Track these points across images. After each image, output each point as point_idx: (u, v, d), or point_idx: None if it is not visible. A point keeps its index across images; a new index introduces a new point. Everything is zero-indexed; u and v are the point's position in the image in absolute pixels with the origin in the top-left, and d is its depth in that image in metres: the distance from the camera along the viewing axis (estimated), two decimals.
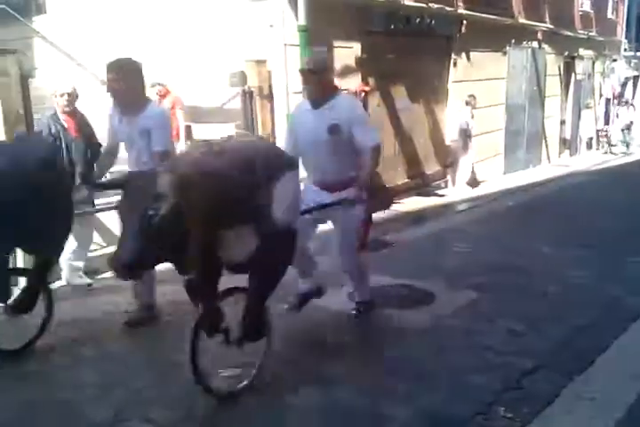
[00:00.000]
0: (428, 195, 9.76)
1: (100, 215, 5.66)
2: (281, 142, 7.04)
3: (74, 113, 5.06)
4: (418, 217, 8.01)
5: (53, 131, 4.88)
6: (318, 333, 4.10)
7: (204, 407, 3.10)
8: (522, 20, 12.31)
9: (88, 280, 5.18)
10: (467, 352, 3.75)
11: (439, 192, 10.17)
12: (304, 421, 3.04)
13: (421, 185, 9.92)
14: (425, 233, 7.20)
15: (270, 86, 7.06)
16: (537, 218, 8.21)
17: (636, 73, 20.78)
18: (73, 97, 5.01)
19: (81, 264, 5.20)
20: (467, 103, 10.52)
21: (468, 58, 10.55)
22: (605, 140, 17.06)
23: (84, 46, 9.41)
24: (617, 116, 17.62)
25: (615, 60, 18.27)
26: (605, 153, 16.72)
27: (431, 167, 10.27)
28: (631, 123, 17.44)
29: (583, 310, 4.45)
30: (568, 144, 16.23)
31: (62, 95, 4.93)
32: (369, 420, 3.00)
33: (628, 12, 19.29)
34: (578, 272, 5.37)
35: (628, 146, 17.14)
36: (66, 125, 4.96)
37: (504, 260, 5.86)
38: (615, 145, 17.02)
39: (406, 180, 9.59)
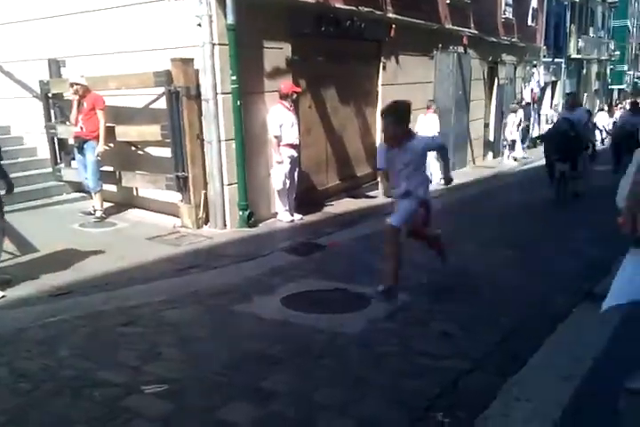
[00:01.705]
0: (359, 197, 9.76)
1: (12, 221, 5.31)
2: (211, 144, 6.87)
3: None
4: (349, 219, 7.97)
5: None
6: (249, 342, 3.94)
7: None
8: (448, 26, 12.57)
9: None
10: (402, 357, 3.70)
11: (370, 194, 10.19)
12: None
13: (352, 187, 9.91)
14: (357, 235, 7.15)
15: (198, 86, 6.83)
16: (465, 219, 8.35)
17: (554, 78, 21.72)
18: None
19: None
20: (428, 108, 11.32)
21: (397, 61, 10.66)
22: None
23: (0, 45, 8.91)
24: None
25: (535, 66, 19.00)
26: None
27: (362, 169, 10.28)
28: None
29: (514, 310, 4.50)
30: (491, 146, 16.69)
31: None
32: None
33: (547, 20, 20.15)
34: (506, 272, 5.46)
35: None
36: None
37: (433, 261, 5.88)
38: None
39: (337, 182, 9.56)
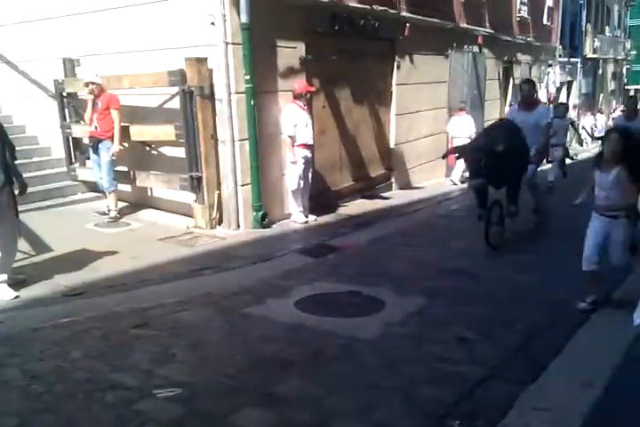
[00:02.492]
0: (373, 198, 9.70)
1: (26, 221, 5.31)
2: (225, 144, 6.85)
3: None
4: (364, 221, 7.91)
5: None
6: (263, 346, 3.90)
7: None
8: (463, 25, 12.46)
9: (13, 293, 4.79)
10: (418, 362, 3.64)
11: (384, 195, 10.13)
12: None
13: (367, 188, 9.85)
14: (372, 237, 7.10)
15: (212, 86, 6.80)
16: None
17: (569, 78, 21.50)
18: None
19: (4, 276, 4.82)
20: (461, 109, 11.72)
21: (412, 60, 10.57)
22: None
23: (12, 43, 8.95)
24: None
25: (550, 66, 18.82)
26: None
27: (376, 170, 10.22)
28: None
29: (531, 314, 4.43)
30: None
31: None
32: None
33: (562, 19, 19.94)
34: (523, 276, 5.37)
35: None
36: None
37: (453, 264, 5.83)
38: None
39: (352, 182, 9.50)
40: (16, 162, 5.13)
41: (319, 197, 8.20)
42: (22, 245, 5.57)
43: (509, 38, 15.19)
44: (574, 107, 21.24)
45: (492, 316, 4.44)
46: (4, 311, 4.52)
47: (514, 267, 5.72)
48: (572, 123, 12.34)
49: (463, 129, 11.50)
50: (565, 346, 3.80)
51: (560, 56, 19.97)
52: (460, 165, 10.71)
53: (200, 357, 3.77)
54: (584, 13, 22.82)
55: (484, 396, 3.21)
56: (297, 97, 7.38)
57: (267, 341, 3.97)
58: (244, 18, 6.56)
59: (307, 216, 7.67)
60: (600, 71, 26.58)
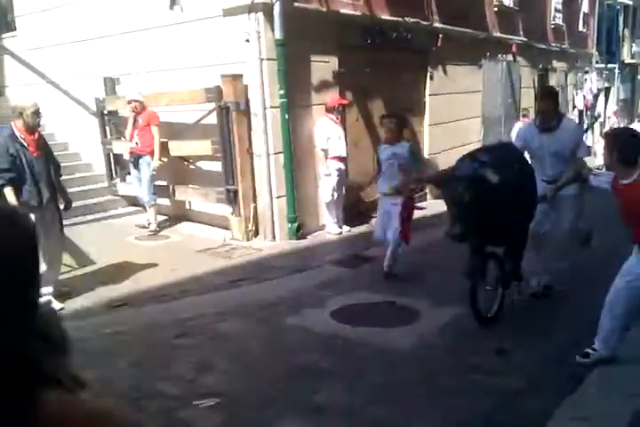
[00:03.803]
0: None
1: (70, 235, 5.49)
2: (260, 157, 6.98)
3: (32, 131, 4.89)
4: None
5: (12, 150, 4.69)
6: (300, 356, 3.96)
7: None
8: (496, 34, 12.42)
9: (58, 305, 4.95)
10: (453, 373, 3.65)
11: (419, 205, 10.09)
12: None
13: None
14: (406, 247, 7.09)
15: (247, 101, 6.95)
16: None
17: (607, 84, 21.14)
18: (39, 114, 4.83)
19: (50, 289, 4.99)
20: (524, 116, 12.33)
21: (445, 71, 10.59)
22: None
23: (55, 63, 9.29)
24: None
25: (587, 72, 18.55)
26: None
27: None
28: None
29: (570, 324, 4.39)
30: None
31: (21, 113, 4.76)
32: None
33: (599, 25, 19.67)
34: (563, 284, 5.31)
35: None
36: (25, 143, 4.78)
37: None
38: None
39: None
40: (61, 178, 5.35)
41: (353, 208, 8.25)
42: (66, 258, 5.77)
43: (544, 46, 15.05)
44: (614, 113, 20.87)
45: (529, 326, 4.41)
46: None
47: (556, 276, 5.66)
48: None
49: None
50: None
51: (597, 62, 19.67)
52: None
53: (239, 366, 3.86)
54: (621, 19, 22.45)
55: (521, 407, 3.21)
56: (329, 110, 7.48)
57: (303, 350, 4.04)
58: (278, 34, 6.71)
59: (341, 227, 7.73)
60: (639, 77, 26.05)
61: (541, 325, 4.43)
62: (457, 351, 3.97)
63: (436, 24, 10.06)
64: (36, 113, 4.79)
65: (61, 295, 5.13)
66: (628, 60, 23.21)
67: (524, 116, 12.64)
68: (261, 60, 6.77)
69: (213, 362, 3.88)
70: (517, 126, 12.11)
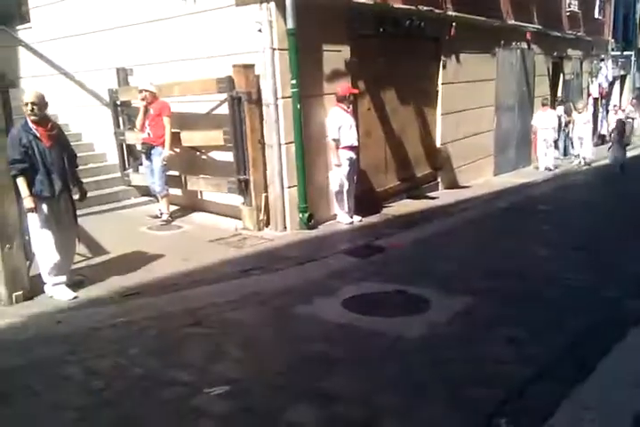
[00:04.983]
0: (419, 198, 9.68)
1: (83, 225, 5.55)
2: (272, 148, 6.99)
3: (45, 122, 4.91)
4: (409, 221, 7.92)
5: (24, 141, 4.72)
6: (311, 344, 3.98)
7: None
8: (510, 22, 12.28)
9: (72, 294, 5.03)
10: (465, 362, 3.65)
11: (430, 194, 10.09)
12: None
13: (412, 188, 9.83)
14: (417, 237, 7.11)
15: (259, 91, 6.94)
16: (530, 220, 8.16)
17: (622, 72, 20.84)
18: (40, 106, 4.84)
19: (64, 278, 5.06)
20: (544, 105, 13.26)
21: (458, 59, 10.50)
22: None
23: (69, 55, 9.34)
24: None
25: (602, 60, 18.29)
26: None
27: (422, 170, 10.19)
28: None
29: (582, 314, 4.37)
30: (556, 144, 16.08)
31: (26, 104, 4.78)
32: None
33: (615, 12, 19.36)
34: (574, 275, 5.30)
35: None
36: (38, 134, 4.81)
37: (499, 264, 5.79)
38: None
39: (397, 182, 9.50)
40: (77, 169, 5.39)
41: (364, 197, 8.24)
42: (80, 247, 5.84)
43: (559, 34, 14.86)
44: (630, 102, 20.52)
45: (540, 315, 4.40)
46: (63, 311, 4.75)
47: (565, 266, 5.64)
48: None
49: (548, 121, 13.35)
50: (615, 346, 3.74)
51: (613, 50, 19.39)
52: (551, 151, 13.45)
53: (251, 354, 3.89)
54: (638, 5, 22.09)
55: (533, 395, 3.20)
56: (340, 100, 7.45)
57: (314, 339, 4.06)
58: (290, 24, 6.68)
59: (352, 217, 7.73)
60: None
61: (552, 314, 4.42)
62: (468, 340, 3.98)
63: (450, 12, 9.97)
64: (34, 104, 4.75)
65: (75, 284, 5.20)
66: None
67: (544, 105, 13.34)
68: (273, 49, 6.75)
69: (225, 350, 3.92)
70: (539, 115, 13.41)
